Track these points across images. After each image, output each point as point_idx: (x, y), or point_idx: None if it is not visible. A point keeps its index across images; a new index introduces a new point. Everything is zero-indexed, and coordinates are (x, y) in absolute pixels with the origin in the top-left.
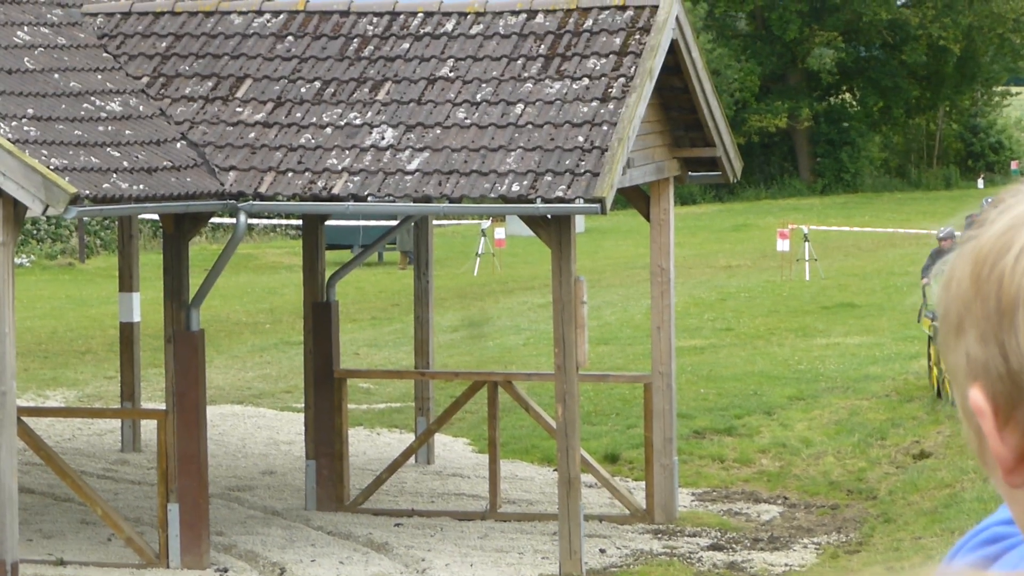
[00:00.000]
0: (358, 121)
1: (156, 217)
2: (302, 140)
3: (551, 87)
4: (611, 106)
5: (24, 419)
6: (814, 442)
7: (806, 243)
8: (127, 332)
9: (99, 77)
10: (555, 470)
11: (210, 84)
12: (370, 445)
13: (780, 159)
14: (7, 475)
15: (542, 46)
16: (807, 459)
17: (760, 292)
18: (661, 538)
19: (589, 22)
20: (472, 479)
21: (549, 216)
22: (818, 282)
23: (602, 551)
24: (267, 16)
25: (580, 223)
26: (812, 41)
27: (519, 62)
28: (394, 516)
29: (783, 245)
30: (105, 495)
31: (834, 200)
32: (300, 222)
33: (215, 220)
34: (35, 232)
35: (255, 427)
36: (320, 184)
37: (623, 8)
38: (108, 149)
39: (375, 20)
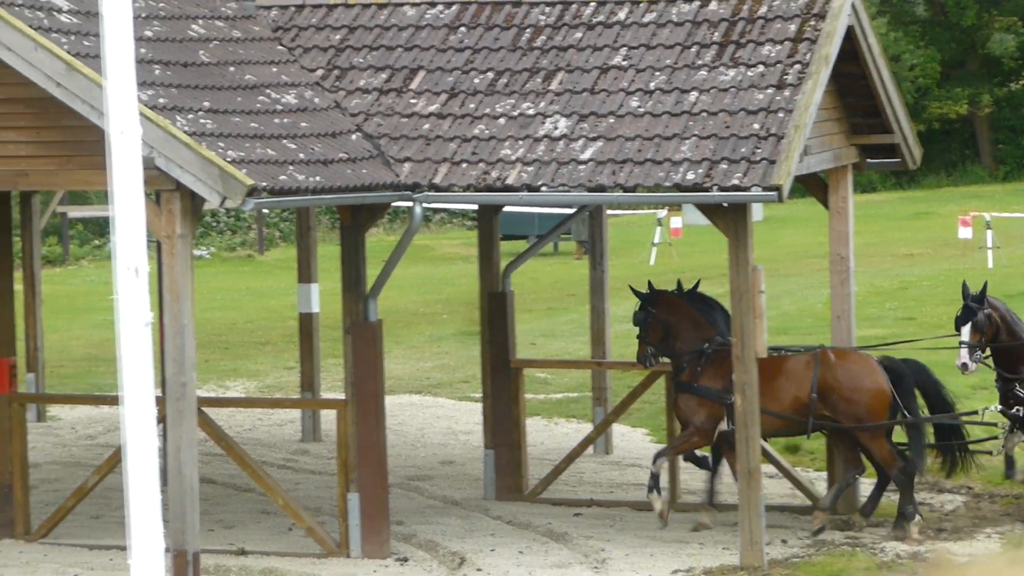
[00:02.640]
0: (531, 111)
1: (334, 208)
2: (476, 131)
3: (725, 74)
4: (787, 93)
5: (205, 410)
6: (997, 432)
7: (988, 231)
8: (306, 323)
9: (274, 70)
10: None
11: (384, 76)
12: (548, 435)
13: (960, 146)
14: (188, 466)
15: (716, 33)
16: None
17: (942, 281)
18: (843, 528)
19: (763, 9)
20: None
21: (725, 204)
22: (1001, 270)
23: (783, 541)
24: (440, 7)
25: (758, 212)
26: (991, 27)
27: (693, 50)
28: (573, 506)
29: (965, 233)
30: (286, 485)
31: (1016, 187)
32: (475, 212)
33: (393, 208)
34: (215, 224)
35: (433, 417)
36: (494, 174)
37: None
38: (284, 141)
39: (547, 10)
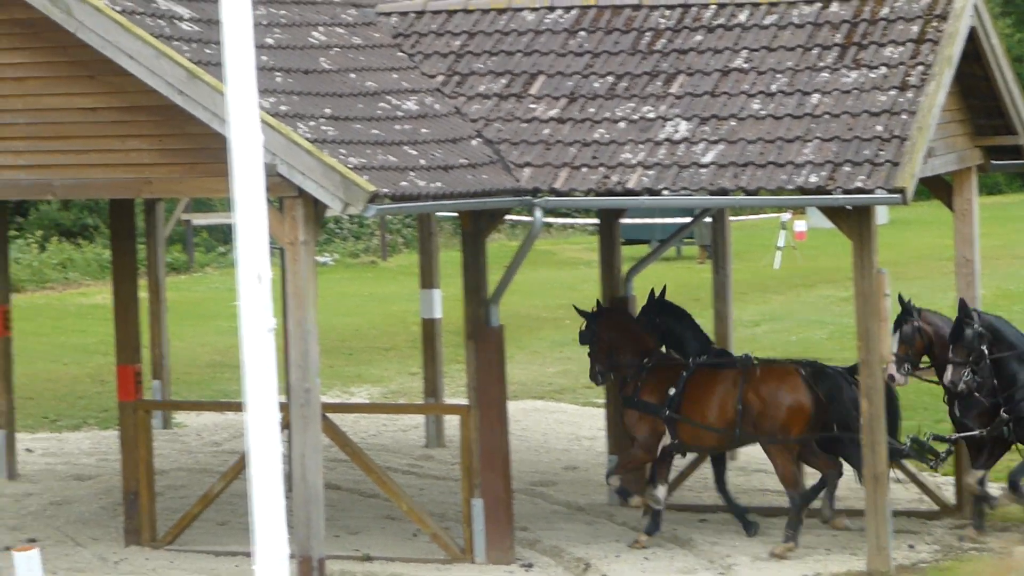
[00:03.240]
0: (651, 115)
1: (455, 214)
2: (596, 135)
3: (847, 76)
4: (910, 95)
5: (329, 416)
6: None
7: None
8: (429, 328)
9: (395, 76)
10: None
11: (504, 81)
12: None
13: None
14: (313, 472)
15: (837, 35)
16: None
17: None
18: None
19: (885, 10)
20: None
21: (849, 207)
22: None
23: (911, 547)
24: (559, 12)
25: (883, 214)
26: None
27: (814, 52)
28: (698, 512)
29: None
30: (410, 491)
31: None
32: (596, 217)
33: (513, 217)
34: (339, 231)
35: (556, 422)
36: (615, 179)
37: None
38: (405, 147)
39: (667, 13)
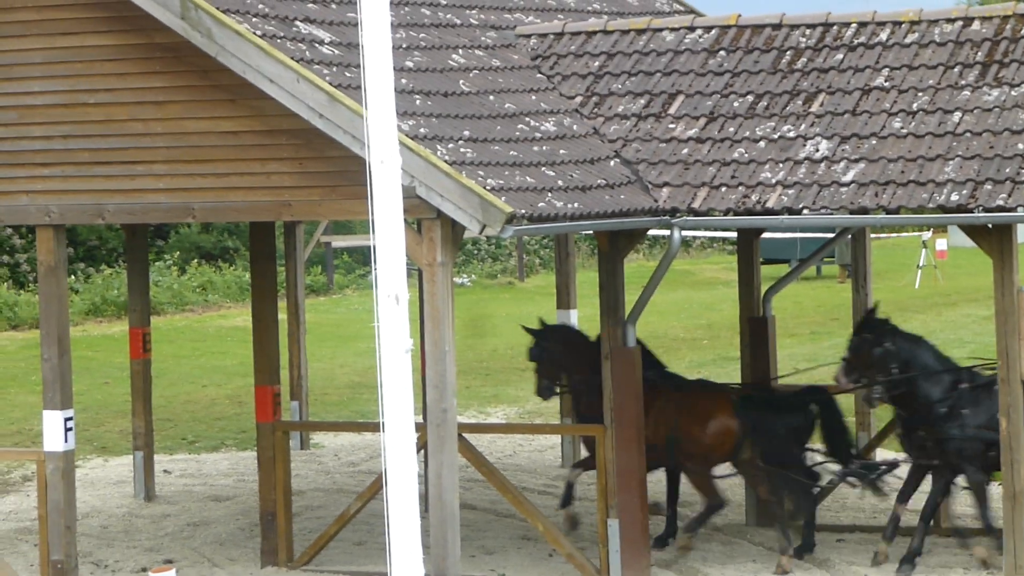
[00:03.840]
0: (792, 134)
1: (592, 235)
2: (735, 154)
3: (989, 94)
4: None
5: (465, 436)
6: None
7: None
8: None
9: (533, 98)
10: (1000, 484)
11: (643, 101)
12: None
13: None
14: (449, 491)
15: (979, 53)
16: None
17: None
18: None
19: None
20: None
21: (990, 225)
22: None
23: None
24: (699, 32)
25: None
26: None
27: (956, 70)
28: (835, 532)
29: None
30: (546, 511)
31: None
32: (735, 236)
33: (651, 235)
34: (476, 252)
35: None
36: (754, 198)
37: None
38: (543, 168)
39: (807, 32)
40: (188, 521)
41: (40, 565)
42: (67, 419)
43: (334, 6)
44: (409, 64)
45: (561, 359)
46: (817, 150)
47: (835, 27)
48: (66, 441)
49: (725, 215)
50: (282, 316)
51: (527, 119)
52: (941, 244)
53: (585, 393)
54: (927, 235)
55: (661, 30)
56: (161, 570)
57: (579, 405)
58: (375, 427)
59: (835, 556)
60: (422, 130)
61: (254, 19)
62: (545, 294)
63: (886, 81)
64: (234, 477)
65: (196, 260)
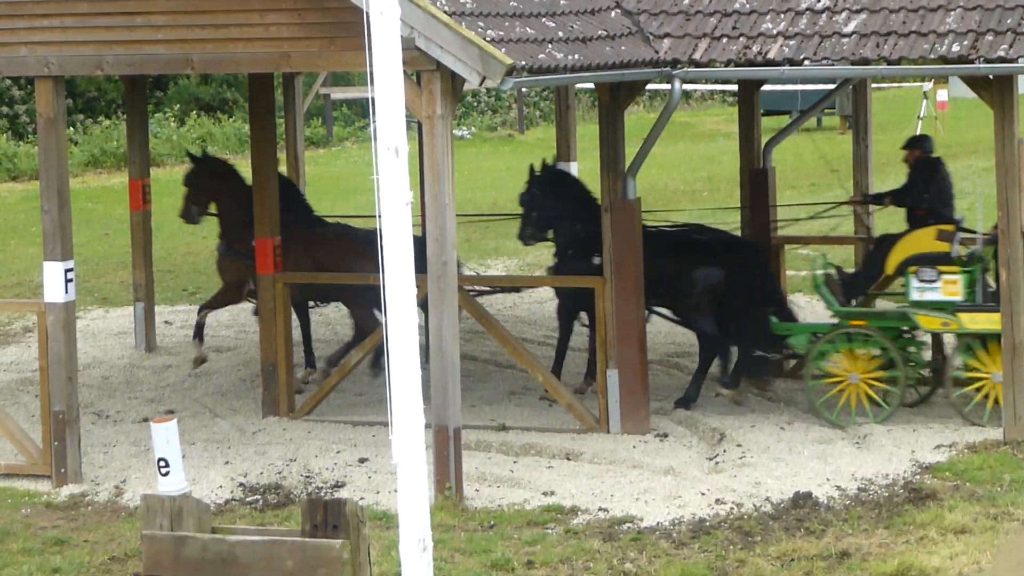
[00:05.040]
0: None
1: (593, 87)
2: (736, 5)
3: None
4: None
5: (466, 288)
6: None
7: None
8: None
9: None
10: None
11: None
12: (809, 312)
13: None
14: (449, 343)
15: None
16: None
17: None
18: None
19: None
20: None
21: (991, 77)
22: None
23: None
24: None
25: None
26: None
27: None
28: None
29: None
30: (546, 362)
31: None
32: (736, 88)
33: (651, 87)
34: (476, 105)
35: None
36: (755, 49)
37: None
38: (543, 19)
39: None
40: (189, 372)
41: (41, 416)
42: (67, 270)
43: None
44: None
45: (210, 191)
46: (819, 1)
47: None
48: (67, 292)
49: (726, 66)
50: (281, 168)
51: None
52: (942, 95)
53: (229, 228)
54: (928, 86)
55: None
56: (162, 420)
57: (222, 238)
58: (374, 279)
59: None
60: None
61: None
62: (545, 147)
63: None
64: (235, 328)
65: (195, 112)
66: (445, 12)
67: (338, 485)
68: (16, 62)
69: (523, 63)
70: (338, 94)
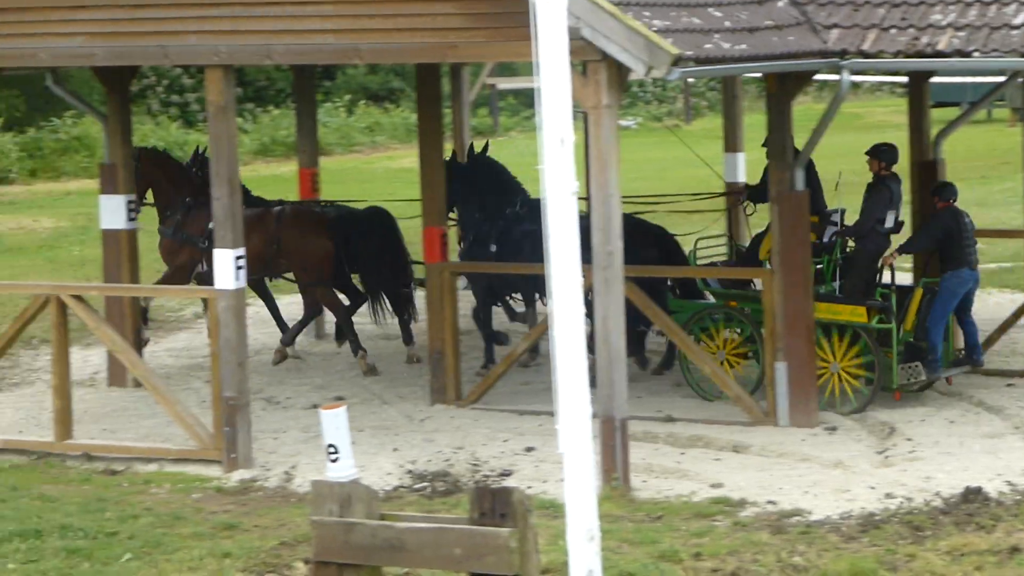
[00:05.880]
0: None
1: (760, 77)
2: None
3: None
4: None
5: (632, 278)
6: None
7: None
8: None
9: None
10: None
11: None
12: (980, 305)
13: None
14: (615, 333)
15: None
16: None
17: None
18: None
19: None
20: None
21: None
22: None
23: None
24: None
25: None
26: None
27: None
28: (1005, 377)
29: None
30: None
31: None
32: (905, 79)
33: (820, 78)
34: (641, 94)
35: None
36: (924, 40)
37: None
38: (710, 9)
39: None
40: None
41: (212, 401)
42: (238, 257)
43: None
44: None
45: (149, 179)
46: None
47: None
48: (237, 279)
49: (895, 57)
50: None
51: None
52: None
53: (171, 213)
54: None
55: None
56: (332, 407)
57: (163, 222)
58: (541, 269)
59: (1005, 401)
60: None
61: None
62: (712, 137)
63: None
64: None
65: (363, 101)
66: (611, 2)
67: (505, 473)
68: (186, 50)
69: (689, 53)
70: (504, 84)
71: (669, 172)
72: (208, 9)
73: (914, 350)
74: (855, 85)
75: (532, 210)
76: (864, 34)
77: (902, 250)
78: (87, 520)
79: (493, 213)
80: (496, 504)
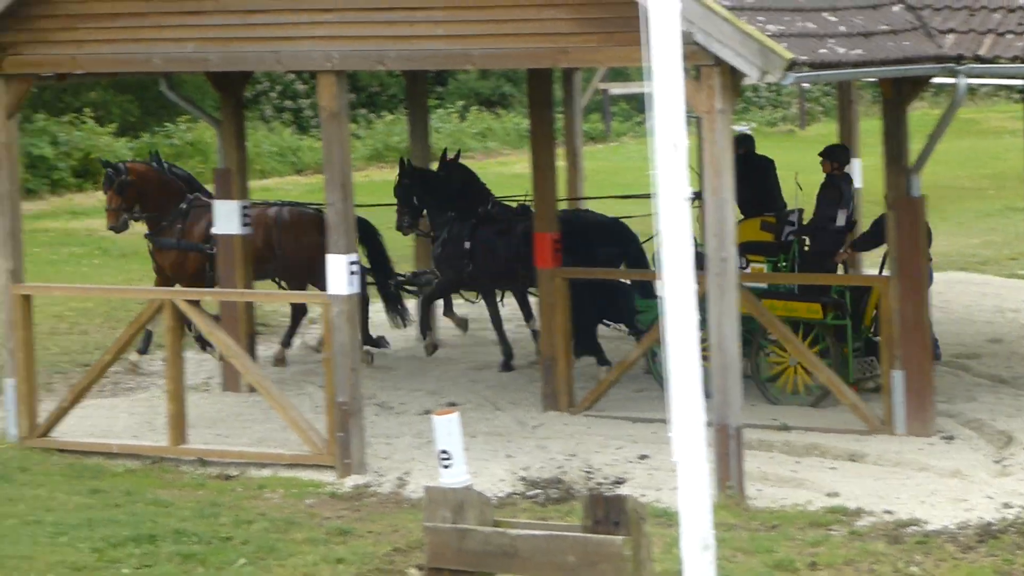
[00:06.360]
0: None
1: (875, 82)
2: (1021, 1)
3: None
4: None
5: (746, 285)
6: None
7: None
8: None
9: None
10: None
11: None
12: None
13: None
14: (729, 340)
15: None
16: None
17: None
18: None
19: None
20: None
21: None
22: None
23: None
24: None
25: None
26: None
27: None
28: None
29: None
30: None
31: None
32: (1023, 84)
33: (935, 82)
34: (756, 99)
35: (980, 294)
36: None
37: None
38: (824, 14)
39: None
40: (470, 365)
41: (326, 406)
42: (351, 263)
43: None
44: None
45: (138, 191)
46: None
47: None
48: (350, 285)
49: (1012, 62)
50: (560, 163)
51: None
52: None
53: (168, 222)
54: None
55: None
56: (445, 413)
57: (161, 232)
58: (652, 275)
59: None
60: None
61: None
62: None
63: None
64: (515, 322)
65: (476, 107)
66: (724, 7)
67: (619, 481)
68: (299, 56)
69: (804, 58)
70: (616, 89)
71: (783, 178)
72: (321, 15)
73: (871, 346)
74: (971, 90)
75: (502, 210)
76: (980, 39)
77: (856, 247)
78: (201, 525)
79: (465, 214)
80: (610, 512)
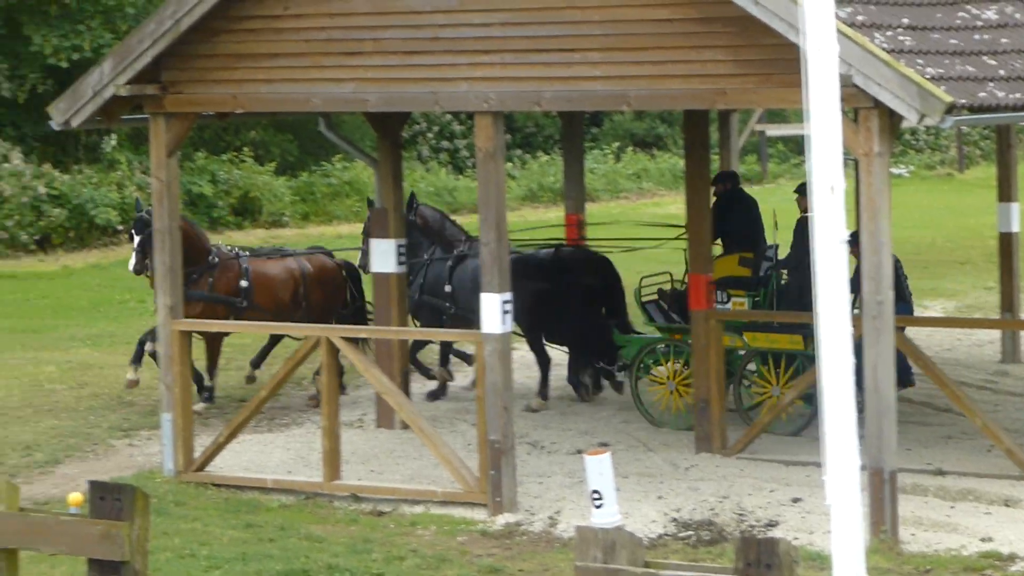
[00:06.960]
0: None
1: None
2: None
3: None
4: None
5: (902, 328)
6: None
7: None
8: (1006, 242)
9: None
10: None
11: None
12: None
13: None
14: (885, 383)
15: None
16: None
17: None
18: None
19: None
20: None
21: None
22: None
23: None
24: None
25: None
26: None
27: None
28: None
29: None
30: (984, 406)
31: None
32: None
33: None
34: (914, 142)
35: None
36: None
37: None
38: (984, 57)
39: None
40: (621, 406)
41: (478, 444)
42: (504, 302)
43: None
44: None
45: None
46: None
47: None
48: (504, 323)
49: None
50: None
51: (967, 7)
52: None
53: (197, 275)
54: None
55: None
56: (596, 453)
57: (191, 285)
58: (809, 318)
59: None
60: (860, 17)
61: None
62: (985, 186)
63: None
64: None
65: (631, 148)
66: (884, 49)
67: (771, 524)
68: (457, 97)
69: (963, 101)
70: (773, 131)
71: (942, 221)
72: (479, 56)
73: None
74: None
75: (475, 247)
76: None
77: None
78: (354, 561)
79: (443, 253)
80: (762, 554)
